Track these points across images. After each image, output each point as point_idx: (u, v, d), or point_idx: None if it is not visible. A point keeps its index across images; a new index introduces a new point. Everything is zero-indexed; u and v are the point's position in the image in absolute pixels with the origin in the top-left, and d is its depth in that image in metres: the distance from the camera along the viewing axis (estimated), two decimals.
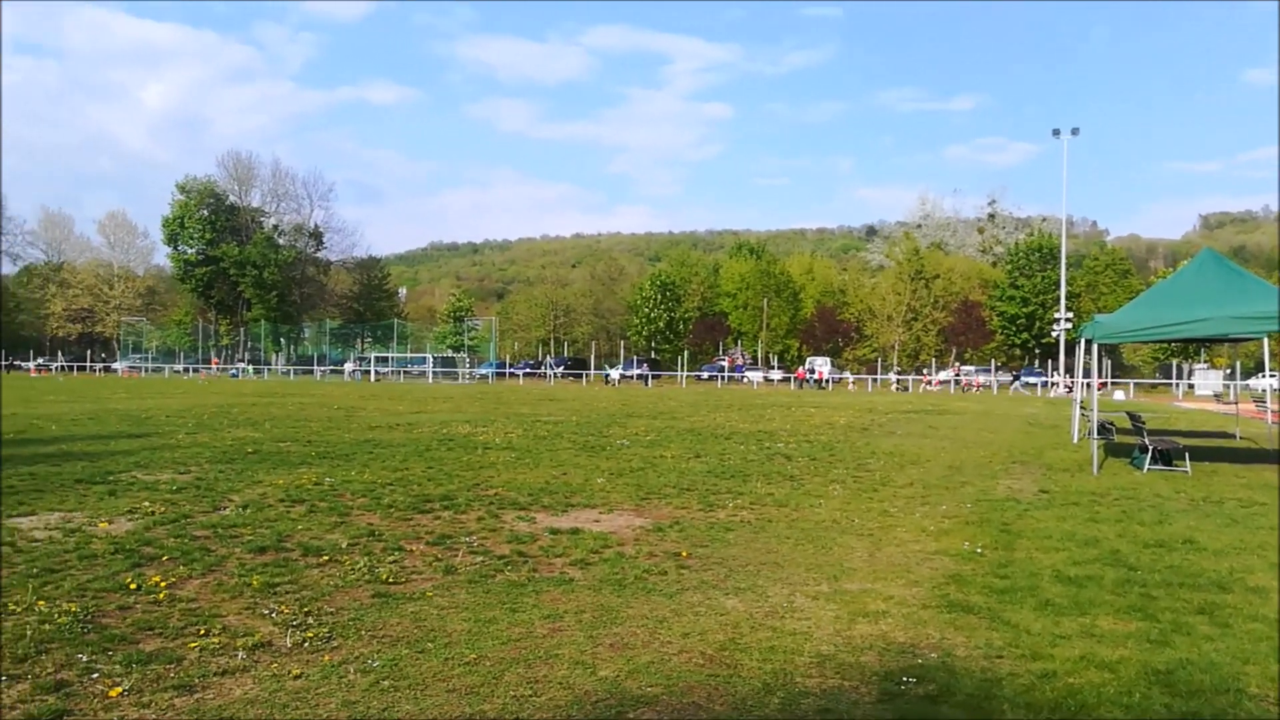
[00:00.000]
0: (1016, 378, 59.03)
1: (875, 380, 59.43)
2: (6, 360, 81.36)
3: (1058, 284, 60.86)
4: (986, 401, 39.18)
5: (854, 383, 59.15)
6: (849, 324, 74.78)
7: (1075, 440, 17.32)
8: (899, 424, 22.32)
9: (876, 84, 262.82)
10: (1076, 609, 5.53)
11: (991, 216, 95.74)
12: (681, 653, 4.68)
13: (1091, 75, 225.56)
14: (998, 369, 61.75)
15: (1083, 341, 15.89)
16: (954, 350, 70.86)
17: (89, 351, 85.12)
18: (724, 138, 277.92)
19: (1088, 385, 19.83)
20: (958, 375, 60.52)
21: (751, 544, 7.44)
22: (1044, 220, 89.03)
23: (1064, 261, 59.81)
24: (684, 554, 6.98)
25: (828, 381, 58.90)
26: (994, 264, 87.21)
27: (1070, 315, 55.72)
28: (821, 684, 4.28)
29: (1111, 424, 16.12)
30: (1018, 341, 73.16)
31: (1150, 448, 13.16)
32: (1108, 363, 52.67)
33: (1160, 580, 6.28)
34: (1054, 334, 56.77)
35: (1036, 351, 70.30)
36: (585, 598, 5.70)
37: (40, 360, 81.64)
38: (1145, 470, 12.80)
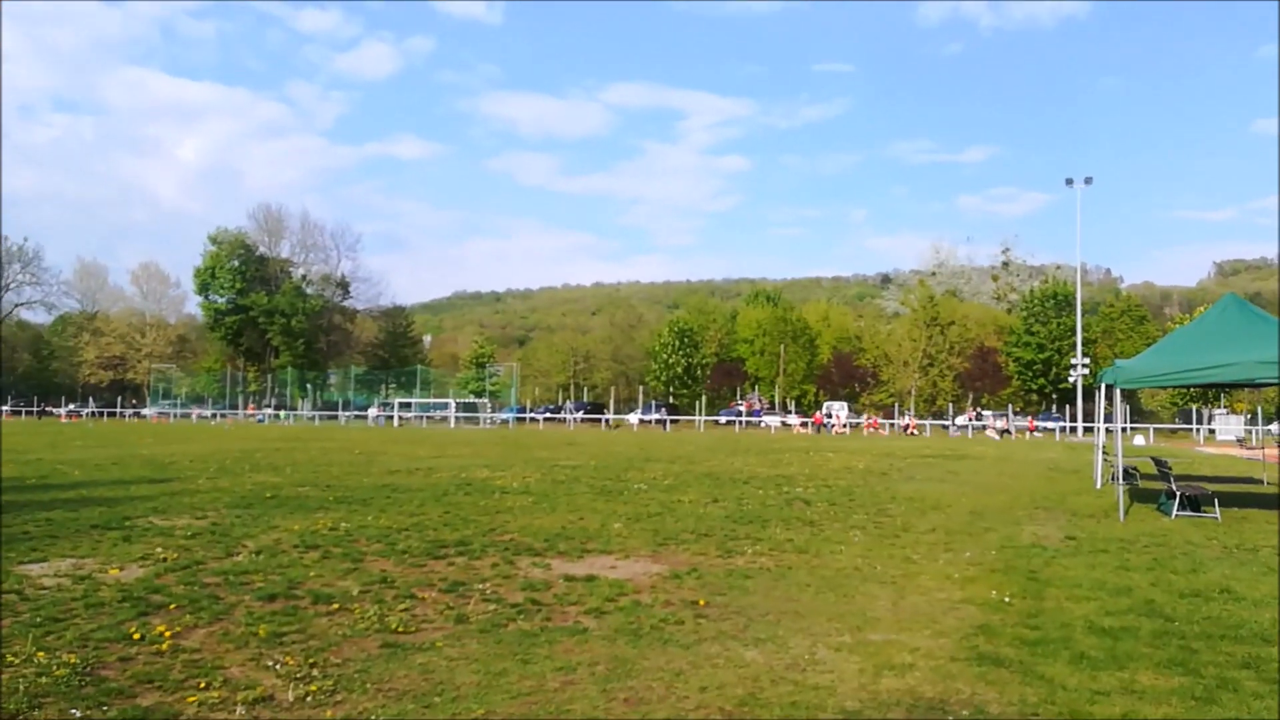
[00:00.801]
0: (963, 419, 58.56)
1: (892, 424, 58.97)
2: (39, 406, 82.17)
3: (1073, 330, 60.47)
4: (1005, 446, 38.69)
5: (845, 425, 58.83)
6: (865, 369, 74.40)
7: (1099, 486, 16.98)
8: (918, 469, 21.99)
9: (889, 136, 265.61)
10: (1114, 663, 5.29)
11: (1005, 264, 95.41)
12: (699, 708, 4.49)
13: (1102, 125, 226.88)
14: (1015, 414, 61.17)
15: (1103, 387, 15.63)
16: (970, 395, 70.27)
17: (119, 398, 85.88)
18: (741, 189, 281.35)
19: (1108, 430, 19.51)
20: (973, 419, 59.91)
21: (771, 592, 7.23)
22: (1058, 268, 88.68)
23: (1079, 308, 59.45)
24: (702, 602, 6.78)
25: (846, 426, 58.47)
26: (1009, 311, 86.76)
27: (1087, 361, 55.24)
28: None
29: (1135, 469, 15.81)
30: (1034, 387, 72.56)
31: (1178, 493, 12.84)
32: (1126, 408, 52.02)
33: (1199, 632, 6.03)
34: (1071, 379, 56.24)
35: (1054, 397, 69.65)
36: (599, 648, 5.52)
37: (71, 406, 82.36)
38: (1173, 516, 12.48)
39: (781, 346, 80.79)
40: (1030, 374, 72.27)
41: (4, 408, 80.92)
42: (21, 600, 6.54)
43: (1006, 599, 7.02)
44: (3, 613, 6.17)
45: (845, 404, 66.98)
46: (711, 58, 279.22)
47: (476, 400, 77.13)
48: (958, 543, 9.94)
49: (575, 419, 68.19)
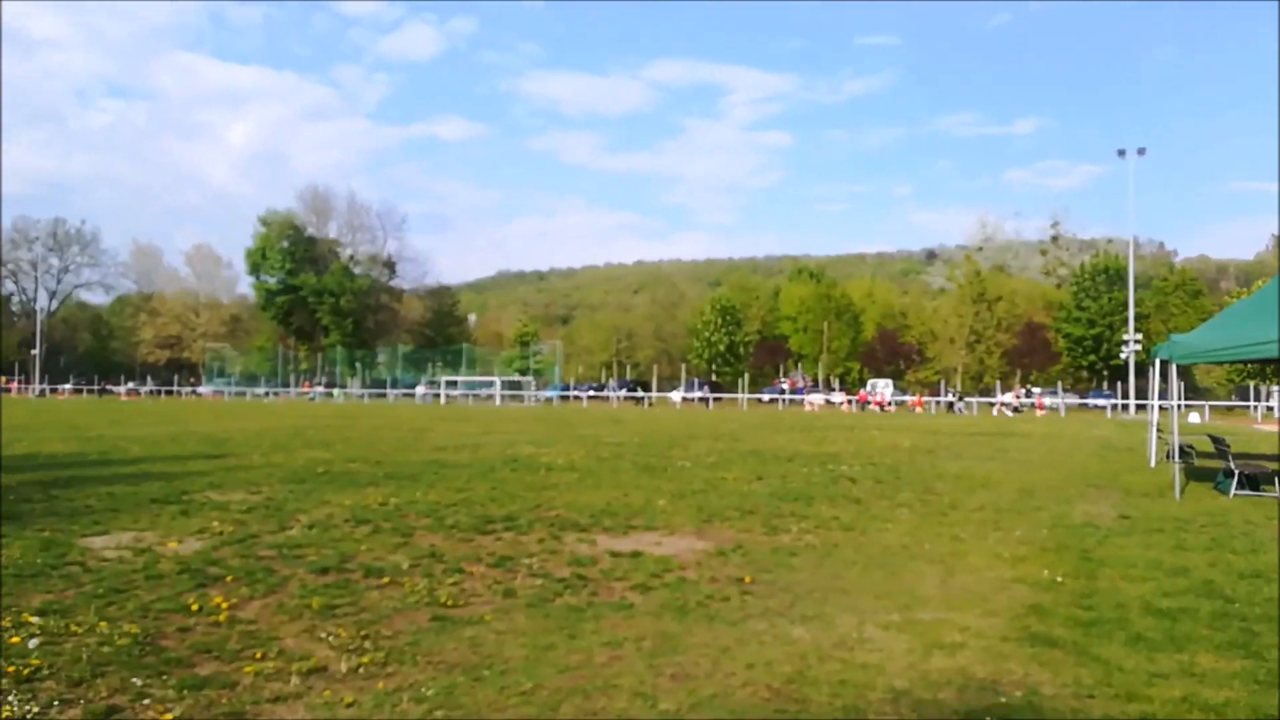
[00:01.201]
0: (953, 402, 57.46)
1: (938, 402, 58.19)
2: (100, 385, 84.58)
3: (1125, 305, 59.04)
4: (1055, 424, 38.04)
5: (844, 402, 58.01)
6: (910, 346, 73.56)
7: (1152, 464, 16.62)
8: (965, 446, 21.72)
9: (935, 110, 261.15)
10: (1172, 644, 5.17)
11: (1054, 239, 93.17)
12: (746, 685, 4.48)
13: (1155, 95, 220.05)
14: (1065, 391, 60.06)
15: (1157, 362, 15.25)
16: (1018, 372, 69.16)
17: (176, 376, 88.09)
18: (783, 165, 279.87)
19: (1162, 407, 19.05)
20: (1018, 398, 58.90)
21: (817, 569, 7.19)
22: (1109, 242, 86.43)
23: (1132, 282, 57.97)
24: (747, 579, 6.77)
25: (890, 404, 57.89)
26: (1058, 286, 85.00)
27: (1139, 337, 53.96)
28: None
29: (1191, 447, 15.42)
30: (1084, 363, 71.13)
31: (1236, 471, 12.51)
32: (1181, 384, 50.76)
33: (1261, 614, 5.86)
34: (1123, 356, 54.97)
35: (1105, 373, 68.21)
36: (646, 624, 5.53)
37: (130, 385, 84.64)
38: (1231, 495, 12.16)
39: (825, 324, 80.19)
40: (1080, 350, 70.88)
41: (66, 386, 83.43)
42: (85, 572, 6.73)
43: (1059, 579, 6.90)
44: (66, 584, 6.36)
45: (890, 381, 66.28)
46: (753, 32, 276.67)
47: (521, 378, 77.80)
48: (1007, 521, 9.80)
49: (618, 397, 68.37)
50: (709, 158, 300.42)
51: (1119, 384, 56.78)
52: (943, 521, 9.72)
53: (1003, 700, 4.31)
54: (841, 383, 73.67)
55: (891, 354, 74.17)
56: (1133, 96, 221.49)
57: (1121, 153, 54.38)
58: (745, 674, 4.63)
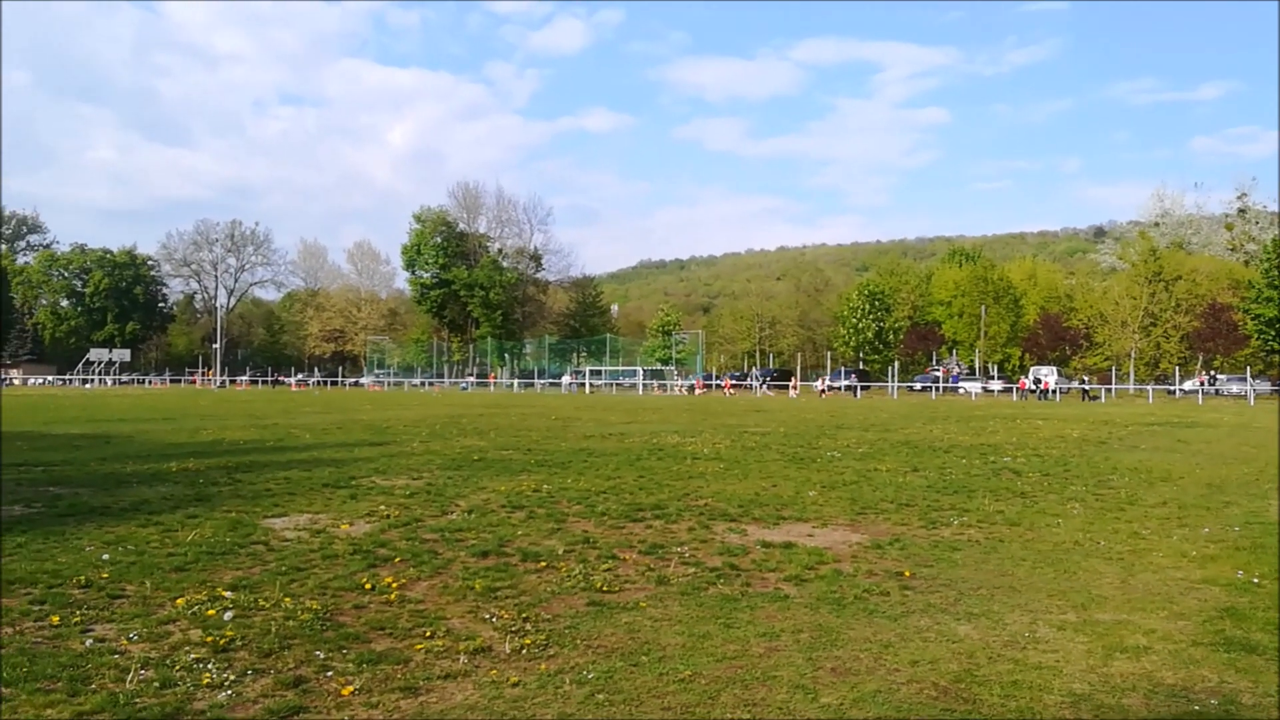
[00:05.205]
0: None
1: (1111, 390, 54.70)
2: (273, 376, 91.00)
3: None
4: (1244, 413, 35.06)
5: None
6: (1077, 331, 69.31)
7: None
8: (1142, 437, 20.31)
9: (1108, 77, 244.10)
10: None
11: (1241, 212, 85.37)
12: (911, 682, 4.32)
13: None
14: (1255, 377, 55.19)
15: None
16: (1200, 358, 64.04)
17: (340, 368, 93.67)
18: (939, 144, 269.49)
19: None
20: (1203, 383, 54.55)
21: (982, 565, 6.87)
22: None
23: None
24: (907, 573, 6.54)
25: (1054, 392, 54.83)
26: (1246, 263, 77.95)
27: None
28: None
29: None
30: (1277, 347, 64.98)
31: None
32: None
33: None
34: None
35: None
36: (802, 616, 5.43)
37: (299, 376, 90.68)
38: None
39: (982, 308, 76.74)
40: (1272, 333, 64.71)
41: (243, 378, 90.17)
42: (268, 550, 7.22)
43: (1255, 580, 6.34)
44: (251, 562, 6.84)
45: (1054, 368, 62.74)
46: (908, 6, 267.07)
47: (663, 367, 78.20)
48: (1193, 518, 9.09)
49: (762, 386, 67.69)
50: (859, 138, 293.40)
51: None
52: (1120, 517, 9.11)
53: (1196, 709, 4.00)
54: (1000, 370, 70.35)
55: (1055, 339, 70.07)
56: None
57: None
58: (909, 670, 4.47)
